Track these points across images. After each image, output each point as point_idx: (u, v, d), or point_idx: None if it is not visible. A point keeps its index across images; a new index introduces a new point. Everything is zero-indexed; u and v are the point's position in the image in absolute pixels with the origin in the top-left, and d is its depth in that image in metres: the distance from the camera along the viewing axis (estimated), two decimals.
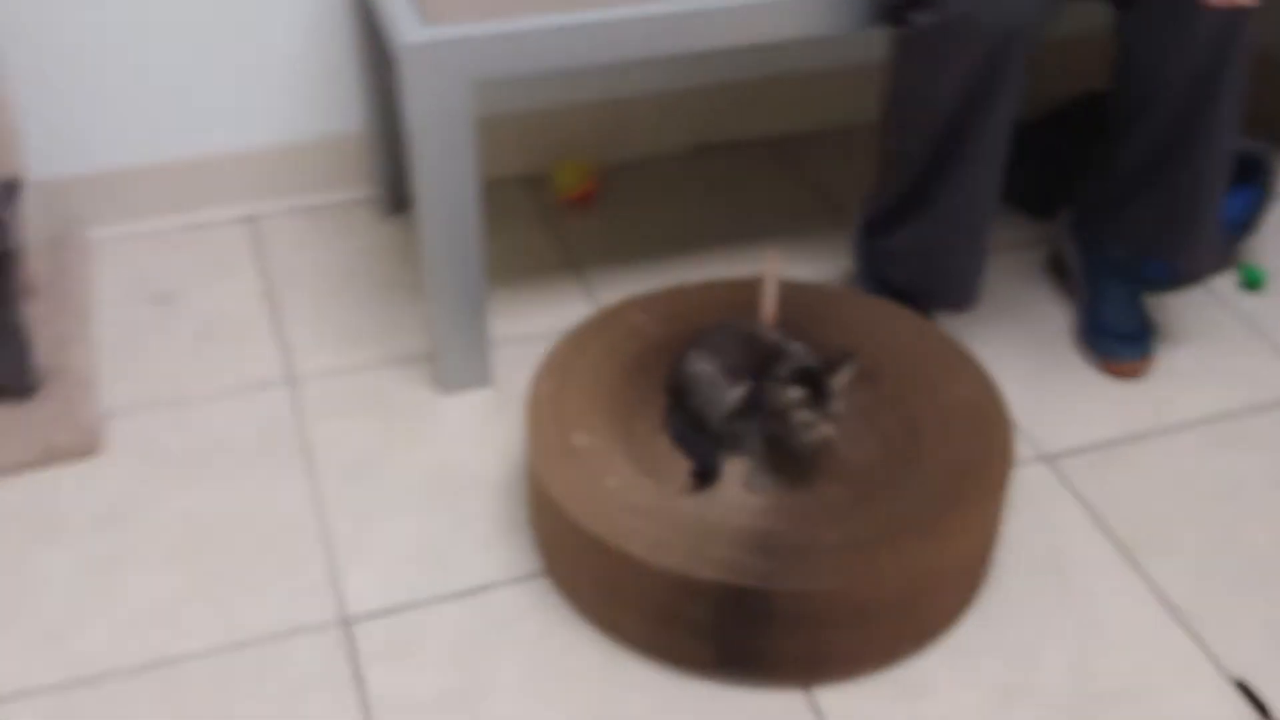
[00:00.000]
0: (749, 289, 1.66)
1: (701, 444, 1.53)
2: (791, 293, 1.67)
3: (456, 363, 1.71)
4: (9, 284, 1.57)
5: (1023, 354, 1.82)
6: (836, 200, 2.12)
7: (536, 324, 1.85)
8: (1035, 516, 1.58)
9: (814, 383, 1.47)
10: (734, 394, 1.52)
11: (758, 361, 1.55)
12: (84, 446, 1.59)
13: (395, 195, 2.02)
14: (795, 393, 1.45)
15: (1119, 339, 1.77)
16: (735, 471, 1.53)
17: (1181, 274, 1.76)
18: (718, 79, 2.18)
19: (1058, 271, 1.95)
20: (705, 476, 1.49)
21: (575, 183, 2.08)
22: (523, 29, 1.47)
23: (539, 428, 1.44)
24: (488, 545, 1.51)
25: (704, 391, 1.54)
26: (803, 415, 1.46)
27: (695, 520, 1.35)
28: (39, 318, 1.74)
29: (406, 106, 1.49)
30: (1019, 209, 2.06)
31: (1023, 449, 1.66)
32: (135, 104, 1.91)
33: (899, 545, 1.33)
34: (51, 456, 1.58)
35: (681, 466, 1.54)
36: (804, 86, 2.23)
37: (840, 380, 1.49)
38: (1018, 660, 1.41)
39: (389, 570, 1.48)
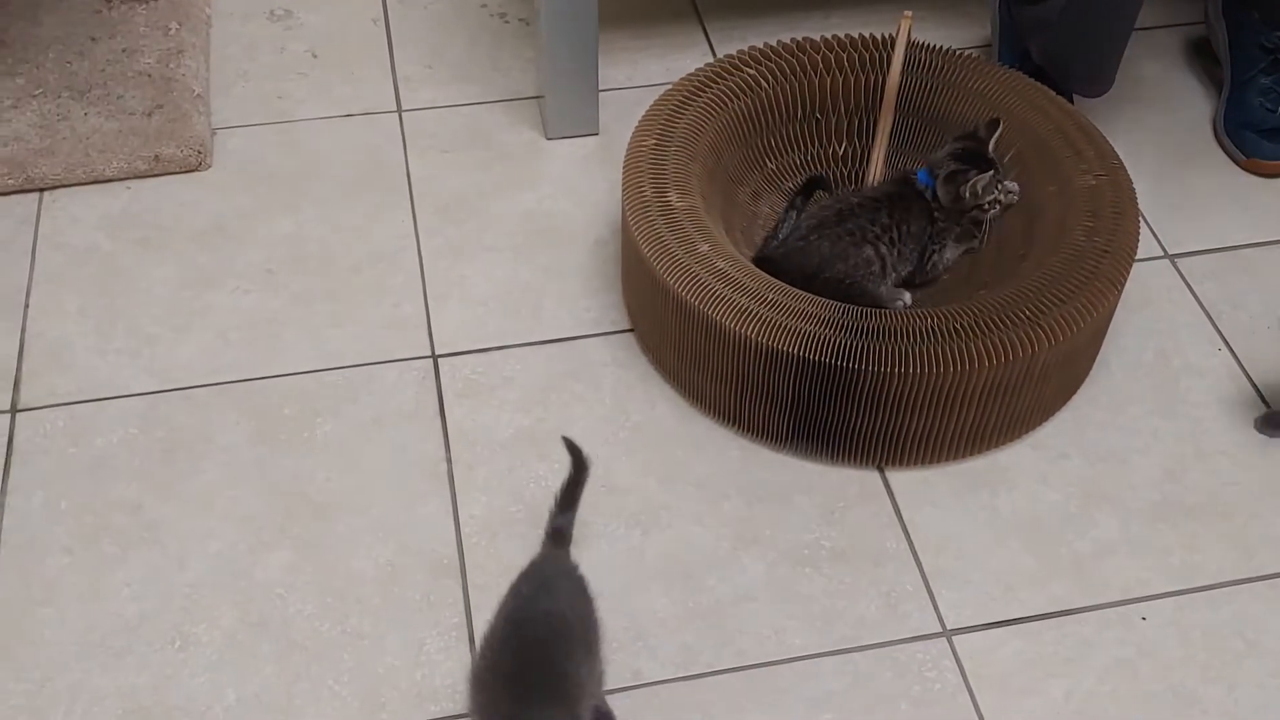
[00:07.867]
0: (875, 48, 1.56)
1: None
2: (921, 56, 1.56)
3: (564, 107, 1.65)
4: None
5: (1160, 144, 1.69)
6: None
7: (653, 72, 1.77)
8: (1151, 318, 1.50)
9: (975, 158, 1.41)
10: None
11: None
12: (192, 160, 1.60)
13: None
14: (982, 180, 1.41)
15: (1264, 134, 1.64)
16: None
17: None
18: None
19: (1206, 56, 1.79)
20: None
21: None
22: None
23: (635, 184, 1.40)
24: (577, 297, 1.50)
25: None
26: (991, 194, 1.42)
27: (785, 292, 1.31)
28: (154, 25, 1.73)
29: None
30: None
31: (1147, 245, 1.57)
32: None
33: (992, 335, 1.27)
34: (160, 167, 1.59)
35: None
36: None
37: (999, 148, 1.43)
38: (1105, 463, 1.37)
39: (478, 311, 1.49)
